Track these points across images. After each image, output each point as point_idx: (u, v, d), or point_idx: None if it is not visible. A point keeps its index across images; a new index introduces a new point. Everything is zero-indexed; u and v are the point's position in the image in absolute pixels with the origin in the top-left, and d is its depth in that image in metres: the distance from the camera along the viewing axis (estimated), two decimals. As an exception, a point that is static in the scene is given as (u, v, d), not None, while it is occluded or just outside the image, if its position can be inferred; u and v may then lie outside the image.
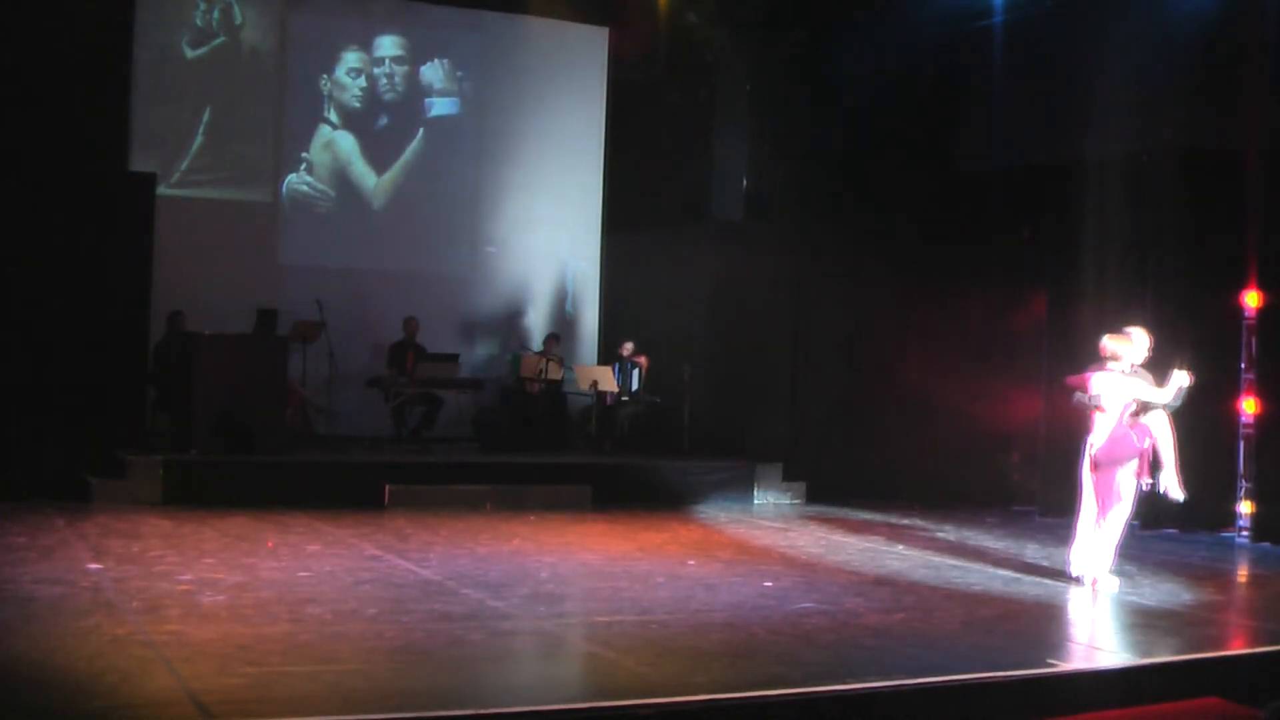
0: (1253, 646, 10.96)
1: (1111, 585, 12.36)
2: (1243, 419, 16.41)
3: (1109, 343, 12.37)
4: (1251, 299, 16.33)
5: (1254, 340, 16.41)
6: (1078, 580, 12.44)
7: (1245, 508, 16.28)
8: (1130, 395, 12.25)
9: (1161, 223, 16.72)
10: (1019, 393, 18.40)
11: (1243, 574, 14.02)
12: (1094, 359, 12.60)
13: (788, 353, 20.10)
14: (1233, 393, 16.47)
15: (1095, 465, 12.36)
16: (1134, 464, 12.35)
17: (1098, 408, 12.30)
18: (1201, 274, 16.62)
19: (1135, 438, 12.31)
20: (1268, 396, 16.15)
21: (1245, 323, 16.48)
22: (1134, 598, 12.19)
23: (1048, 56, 18.09)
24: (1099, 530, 12.45)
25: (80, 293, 17.00)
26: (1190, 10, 16.36)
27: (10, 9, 17.36)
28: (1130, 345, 12.37)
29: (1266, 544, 15.82)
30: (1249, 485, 16.32)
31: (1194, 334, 16.08)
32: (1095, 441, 12.33)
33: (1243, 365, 16.45)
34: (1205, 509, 16.11)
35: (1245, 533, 16.19)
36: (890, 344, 19.50)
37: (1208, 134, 16.63)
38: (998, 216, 19.12)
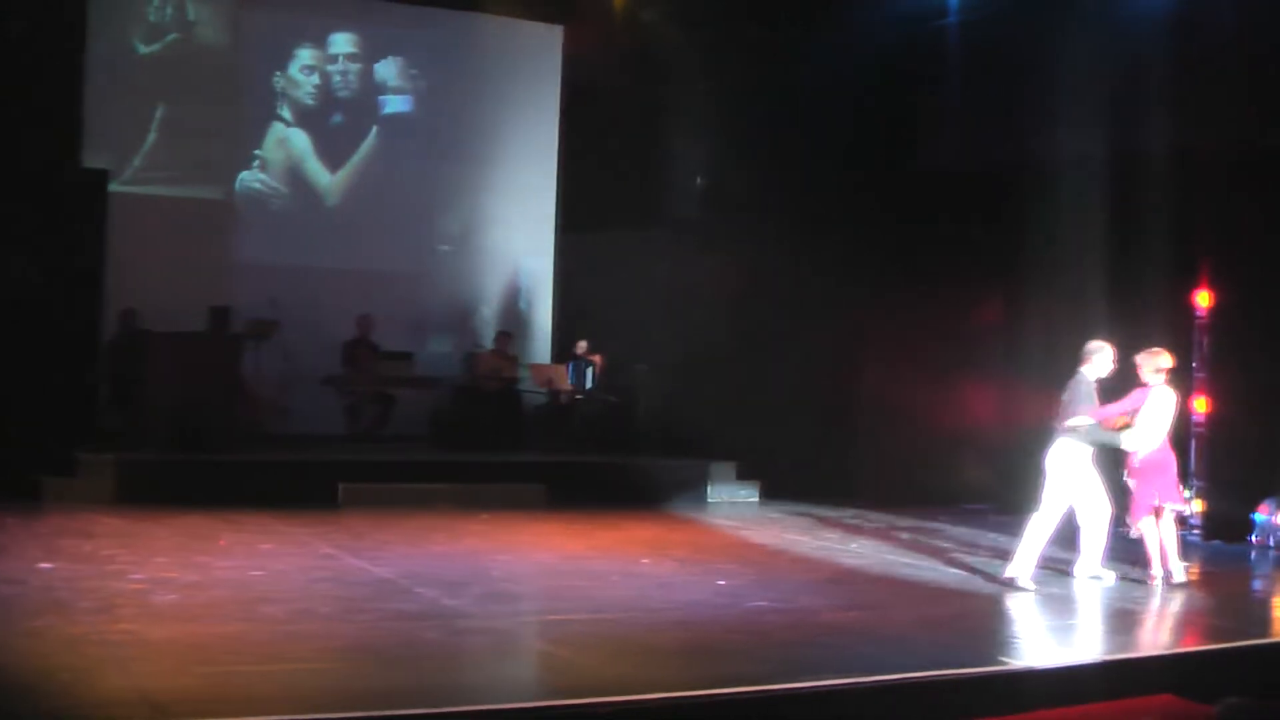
0: (1206, 644, 11.07)
1: (1110, 578, 12.69)
2: (1194, 418, 16.48)
3: (1155, 359, 12.60)
4: (1203, 298, 16.41)
5: (1205, 340, 16.49)
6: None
7: (1197, 506, 16.34)
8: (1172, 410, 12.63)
9: (1116, 223, 16.78)
10: (975, 391, 18.44)
11: (1194, 572, 14.08)
12: (1070, 367, 12.75)
13: (743, 351, 20.09)
14: (1184, 392, 16.52)
15: (1139, 474, 12.65)
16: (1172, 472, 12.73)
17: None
18: (1153, 273, 16.67)
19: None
20: (1219, 396, 16.24)
21: (1197, 322, 16.56)
22: (1088, 596, 12.26)
23: (1004, 58, 18.14)
24: (1100, 533, 12.61)
25: (32, 290, 16.89)
26: (1144, 13, 16.43)
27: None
28: (1169, 358, 12.62)
29: (1218, 542, 15.93)
30: (1200, 484, 16.40)
31: (1146, 333, 16.15)
32: (1139, 452, 12.54)
33: (1194, 365, 16.52)
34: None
35: (1197, 531, 16.26)
36: (846, 342, 19.51)
37: (1161, 135, 16.70)
38: (954, 216, 19.13)
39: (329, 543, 13.58)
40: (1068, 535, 12.85)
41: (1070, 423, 12.44)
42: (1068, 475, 12.51)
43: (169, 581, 11.13)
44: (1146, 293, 16.59)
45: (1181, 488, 12.83)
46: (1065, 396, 12.58)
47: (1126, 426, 12.56)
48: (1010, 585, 12.45)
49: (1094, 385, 12.59)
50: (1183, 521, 13.13)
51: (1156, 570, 12.76)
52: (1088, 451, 12.52)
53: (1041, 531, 12.55)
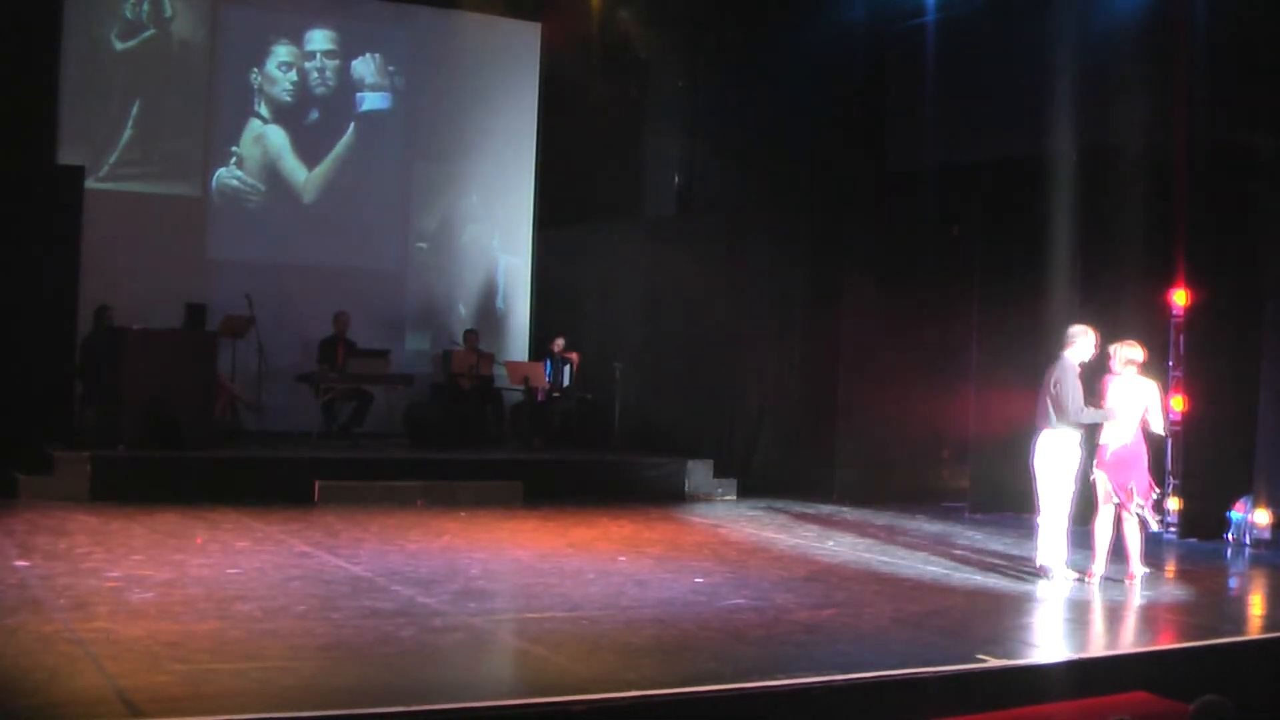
0: (1181, 641, 11.06)
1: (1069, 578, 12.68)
2: (1171, 416, 16.50)
3: (1126, 350, 12.63)
4: (1179, 297, 16.43)
5: (1182, 338, 16.51)
6: (1081, 579, 12.65)
7: (1173, 504, 16.38)
8: (1144, 403, 12.62)
9: (1090, 221, 16.81)
10: (949, 389, 18.45)
11: (1170, 569, 14.12)
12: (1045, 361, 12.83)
13: (719, 349, 20.09)
14: (1161, 391, 16.54)
15: (1110, 467, 12.64)
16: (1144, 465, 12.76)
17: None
18: (1130, 272, 16.71)
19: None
20: (1195, 394, 16.26)
21: (1173, 321, 16.59)
22: (1063, 593, 12.28)
23: (978, 55, 18.17)
24: (1061, 526, 12.63)
25: (6, 287, 16.84)
26: (1120, 11, 16.46)
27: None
28: (1143, 352, 12.69)
29: (1194, 540, 15.94)
30: (1177, 482, 16.43)
31: (1122, 332, 16.19)
32: (1110, 444, 12.58)
33: (1170, 363, 16.55)
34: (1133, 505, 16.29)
35: (1173, 529, 16.28)
36: (823, 340, 19.49)
37: (1136, 133, 16.72)
38: (928, 214, 19.18)
39: (305, 540, 13.55)
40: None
41: (1070, 409, 12.50)
42: (1057, 467, 12.58)
43: (144, 579, 11.09)
44: (1123, 291, 16.62)
45: (1154, 483, 12.86)
46: (1051, 382, 12.64)
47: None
48: (1045, 574, 12.74)
49: (1078, 370, 12.66)
50: (1159, 511, 13.14)
51: (1098, 568, 12.73)
52: (1075, 444, 12.59)
53: (1058, 526, 12.65)
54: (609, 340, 21.26)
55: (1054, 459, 12.66)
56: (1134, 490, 12.59)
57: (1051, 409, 12.60)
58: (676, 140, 21.91)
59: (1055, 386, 12.59)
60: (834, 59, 19.35)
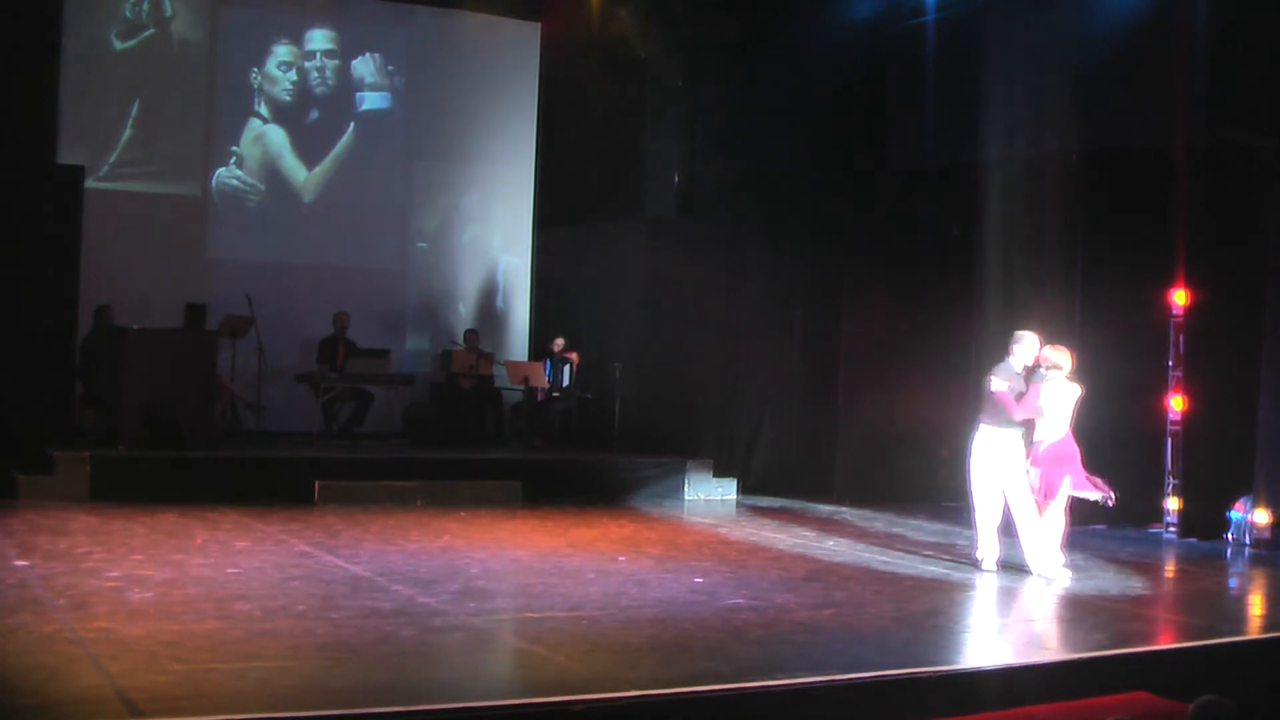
0: (1180, 641, 11.07)
1: (1065, 577, 12.71)
2: (1170, 416, 16.53)
3: (1054, 355, 12.74)
4: (1179, 297, 16.44)
5: (1181, 338, 16.51)
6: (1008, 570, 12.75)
7: (1173, 504, 16.40)
8: (1073, 401, 12.69)
9: (1090, 221, 16.82)
10: (950, 389, 18.42)
11: (1170, 569, 14.13)
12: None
13: (719, 349, 20.09)
14: (1160, 390, 16.58)
15: (1042, 462, 12.77)
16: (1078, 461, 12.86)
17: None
18: (1130, 272, 16.71)
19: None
20: (1195, 394, 16.26)
21: (1173, 321, 16.60)
22: (1063, 592, 12.29)
23: (978, 55, 18.12)
24: (1036, 525, 12.70)
25: (6, 286, 16.82)
26: (1119, 11, 16.46)
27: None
28: (1069, 356, 12.78)
29: (1193, 539, 15.94)
30: (1176, 482, 16.44)
31: (1122, 332, 16.21)
32: (1042, 441, 12.65)
33: (1170, 363, 16.56)
34: (1133, 505, 16.29)
35: (1172, 529, 16.30)
36: (820, 339, 19.50)
37: (1136, 134, 16.74)
38: (927, 215, 19.15)
39: (305, 540, 13.55)
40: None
41: (993, 385, 12.73)
42: (998, 466, 12.80)
43: (144, 579, 11.09)
44: (1123, 291, 16.63)
45: (1093, 477, 12.97)
46: (992, 380, 12.94)
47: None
48: (977, 566, 13.12)
49: (1022, 373, 12.90)
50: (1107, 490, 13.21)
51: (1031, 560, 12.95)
52: (1017, 441, 12.75)
53: (991, 522, 12.92)
54: (609, 340, 21.25)
55: (990, 457, 12.93)
56: (1065, 486, 12.72)
57: (995, 408, 12.84)
58: (676, 140, 21.89)
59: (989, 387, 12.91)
60: (834, 59, 19.32)
